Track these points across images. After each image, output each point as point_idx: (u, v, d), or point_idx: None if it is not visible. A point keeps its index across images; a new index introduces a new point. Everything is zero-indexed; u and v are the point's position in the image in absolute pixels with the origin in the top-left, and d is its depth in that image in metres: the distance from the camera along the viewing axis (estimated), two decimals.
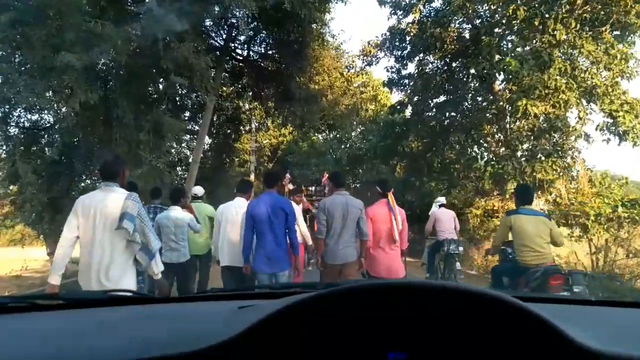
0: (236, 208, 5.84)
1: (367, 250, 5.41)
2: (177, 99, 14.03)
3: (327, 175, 6.30)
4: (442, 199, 10.33)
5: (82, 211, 3.69)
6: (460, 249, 9.25)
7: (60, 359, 0.94)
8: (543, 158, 12.51)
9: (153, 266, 3.81)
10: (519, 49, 12.43)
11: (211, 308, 1.44)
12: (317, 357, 0.86)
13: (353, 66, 17.52)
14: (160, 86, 11.29)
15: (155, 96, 11.08)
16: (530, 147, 13.08)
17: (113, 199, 3.69)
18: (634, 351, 0.85)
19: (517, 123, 13.28)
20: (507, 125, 14.26)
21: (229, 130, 17.95)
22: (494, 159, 15.39)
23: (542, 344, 0.79)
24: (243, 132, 19.43)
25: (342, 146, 28.91)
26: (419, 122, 16.85)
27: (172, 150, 11.43)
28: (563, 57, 11.83)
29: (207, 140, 17.86)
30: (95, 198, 3.74)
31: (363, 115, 27.82)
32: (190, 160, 14.46)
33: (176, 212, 6.42)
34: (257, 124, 20.81)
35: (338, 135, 29.91)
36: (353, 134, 29.89)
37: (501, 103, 13.83)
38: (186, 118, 15.69)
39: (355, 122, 28.94)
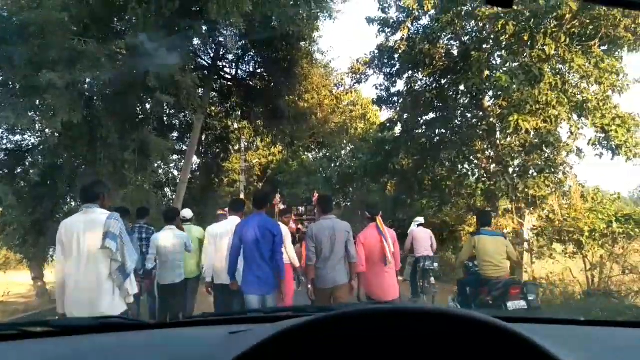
0: (232, 227, 5.76)
1: (363, 273, 5.50)
2: (164, 118, 13.80)
3: (317, 195, 6.51)
4: (420, 219, 10.91)
5: (65, 235, 3.74)
6: (435, 264, 9.94)
7: None
8: (535, 174, 12.37)
9: (128, 286, 3.86)
10: (508, 64, 12.32)
11: (204, 333, 1.44)
12: None
13: (342, 84, 17.40)
14: (147, 105, 11.01)
15: (141, 115, 10.76)
16: (522, 162, 12.93)
17: (94, 220, 3.76)
18: None
19: (508, 139, 13.11)
20: (498, 141, 14.10)
21: (217, 150, 17.56)
22: (485, 175, 15.26)
23: None
24: (232, 151, 19.07)
25: (332, 165, 28.75)
26: (409, 140, 16.67)
27: (159, 171, 11.12)
28: (553, 72, 11.72)
29: (195, 159, 17.61)
30: (77, 220, 3.81)
31: (353, 133, 27.71)
32: (178, 180, 14.16)
33: (172, 232, 6.48)
34: (246, 143, 20.52)
35: (328, 154, 29.75)
36: (343, 152, 29.74)
37: (492, 119, 13.74)
38: (174, 138, 15.43)
39: (345, 141, 28.82)
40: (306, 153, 24.54)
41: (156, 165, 11.67)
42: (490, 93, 13.60)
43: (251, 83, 15.39)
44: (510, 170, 13.61)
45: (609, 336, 1.44)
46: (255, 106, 15.31)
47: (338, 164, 28.95)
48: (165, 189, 15.96)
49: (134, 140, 9.53)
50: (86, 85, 9.68)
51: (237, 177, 27.60)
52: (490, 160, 15.30)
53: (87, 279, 3.70)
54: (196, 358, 0.95)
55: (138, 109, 10.78)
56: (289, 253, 6.31)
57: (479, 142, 14.72)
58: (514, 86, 11.09)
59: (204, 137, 16.46)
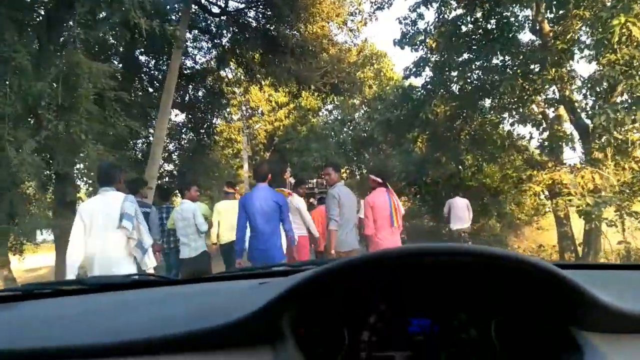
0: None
1: (371, 236, 5.30)
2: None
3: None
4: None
5: (85, 215, 3.96)
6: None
7: (85, 339, 0.91)
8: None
9: (146, 260, 4.12)
10: None
11: (232, 286, 1.40)
12: (341, 326, 0.88)
13: (360, 11, 13.45)
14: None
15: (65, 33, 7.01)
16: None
17: (112, 202, 4.02)
18: None
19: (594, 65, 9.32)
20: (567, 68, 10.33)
21: (206, 103, 13.79)
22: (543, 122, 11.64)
23: (571, 305, 0.78)
24: (226, 106, 15.16)
25: (345, 128, 25.14)
26: (444, 82, 12.93)
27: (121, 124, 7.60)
28: None
29: (181, 117, 13.96)
30: (96, 202, 4.06)
31: (367, 92, 23.97)
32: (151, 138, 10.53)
33: (183, 206, 6.26)
34: (242, 97, 16.53)
35: (340, 117, 26.12)
36: (356, 114, 26.08)
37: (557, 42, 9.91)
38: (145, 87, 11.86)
39: (357, 101, 25.15)
40: (317, 99, 20.11)
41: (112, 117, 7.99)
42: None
43: (245, 17, 11.62)
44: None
45: None
46: (251, 46, 11.54)
47: (351, 127, 25.38)
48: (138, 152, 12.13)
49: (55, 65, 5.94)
50: None
51: (239, 146, 24.11)
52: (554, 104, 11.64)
53: (107, 256, 3.95)
54: (226, 308, 0.90)
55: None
56: (308, 222, 6.18)
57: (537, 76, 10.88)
58: None
59: (190, 89, 12.81)
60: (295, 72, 11.33)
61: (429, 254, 0.74)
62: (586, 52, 10.20)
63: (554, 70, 9.98)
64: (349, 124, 25.44)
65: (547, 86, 10.95)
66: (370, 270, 0.77)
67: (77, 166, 8.94)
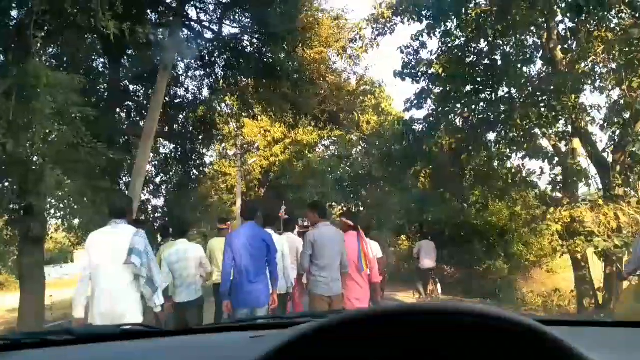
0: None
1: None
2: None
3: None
4: None
5: (93, 247, 3.85)
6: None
7: None
8: None
9: (155, 299, 3.96)
10: None
11: (225, 338, 1.42)
12: None
13: (362, 37, 12.54)
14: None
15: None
16: None
17: (122, 236, 3.84)
18: None
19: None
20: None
21: (196, 132, 12.57)
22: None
23: None
24: (217, 137, 14.10)
25: (342, 164, 24.28)
26: (448, 115, 12.12)
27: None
28: None
29: (169, 149, 12.98)
30: (105, 234, 3.92)
31: (364, 128, 23.24)
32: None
33: (185, 246, 5.83)
34: (236, 128, 15.50)
35: (337, 153, 25.32)
36: (354, 151, 25.29)
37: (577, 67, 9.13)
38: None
39: (355, 137, 24.39)
40: (314, 130, 19.07)
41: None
42: None
43: (240, 43, 10.83)
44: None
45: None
46: (245, 71, 10.68)
47: (349, 163, 24.51)
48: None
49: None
50: None
51: (234, 182, 23.15)
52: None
53: (113, 291, 3.78)
54: None
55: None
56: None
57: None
58: None
59: (180, 119, 11.88)
60: (291, 98, 10.47)
61: (424, 314, 0.71)
62: (598, 81, 9.53)
63: (567, 100, 9.15)
64: (346, 160, 24.60)
65: (560, 118, 10.12)
66: (370, 326, 0.72)
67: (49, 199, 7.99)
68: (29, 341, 1.37)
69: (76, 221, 8.42)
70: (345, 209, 26.40)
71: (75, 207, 7.99)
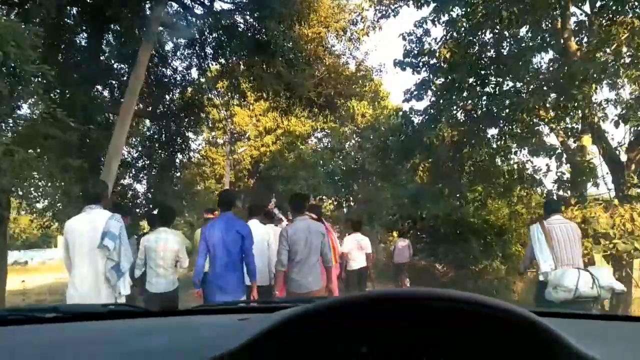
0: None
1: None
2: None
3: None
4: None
5: (70, 233, 3.80)
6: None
7: None
8: None
9: (120, 285, 3.89)
10: None
11: (210, 320, 1.40)
12: None
13: (363, 19, 11.67)
14: None
15: None
16: None
17: (97, 221, 3.80)
18: None
19: None
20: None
21: (182, 115, 11.43)
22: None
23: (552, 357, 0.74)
24: (205, 120, 13.09)
25: (335, 157, 23.50)
26: (450, 106, 11.41)
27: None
28: None
29: (151, 129, 12.06)
30: (81, 220, 3.86)
31: (359, 121, 22.50)
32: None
33: (167, 235, 5.54)
34: (224, 109, 14.49)
35: (330, 146, 24.54)
36: (347, 144, 24.51)
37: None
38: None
39: (349, 130, 23.62)
40: (309, 116, 18.10)
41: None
42: None
43: (232, 18, 9.94)
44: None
45: (632, 331, 1.37)
46: (236, 49, 9.79)
47: (342, 156, 23.75)
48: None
49: None
50: None
51: (222, 171, 22.29)
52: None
53: (89, 276, 3.76)
54: (208, 342, 0.88)
55: None
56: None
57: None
58: None
59: (165, 99, 10.97)
60: (285, 79, 9.61)
61: (411, 299, 0.72)
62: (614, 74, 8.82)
63: (579, 93, 8.44)
64: (339, 153, 23.82)
65: (571, 112, 9.44)
66: (356, 312, 0.73)
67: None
68: (14, 317, 1.37)
69: (41, 204, 7.59)
70: (336, 203, 25.80)
71: (42, 187, 7.14)
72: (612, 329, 1.35)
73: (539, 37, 10.07)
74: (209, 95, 11.83)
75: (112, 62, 11.05)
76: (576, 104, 8.72)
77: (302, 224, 4.92)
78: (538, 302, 5.07)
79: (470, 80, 11.16)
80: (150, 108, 10.92)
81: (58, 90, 9.20)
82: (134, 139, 11.36)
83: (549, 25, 10.10)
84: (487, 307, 0.68)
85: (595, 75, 7.83)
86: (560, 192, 10.24)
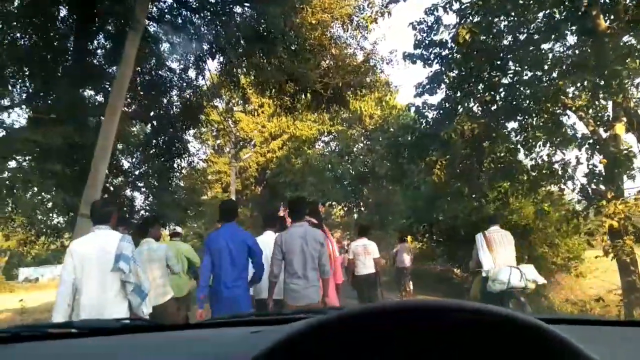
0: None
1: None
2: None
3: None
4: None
5: (77, 254, 3.61)
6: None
7: None
8: None
9: (143, 308, 3.76)
10: None
11: (225, 333, 1.37)
12: None
13: (371, 3, 10.71)
14: None
15: None
16: None
17: (107, 241, 3.67)
18: None
19: None
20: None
21: (179, 117, 10.54)
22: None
23: None
24: (205, 122, 12.18)
25: (343, 161, 22.67)
26: (466, 99, 10.53)
27: None
28: None
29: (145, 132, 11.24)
30: (90, 241, 3.72)
31: (367, 123, 21.62)
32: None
33: (150, 245, 5.41)
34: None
35: (338, 150, 23.68)
36: (355, 147, 23.64)
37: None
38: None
39: (357, 133, 22.75)
40: (315, 113, 17.09)
41: None
42: None
43: (230, 10, 9.09)
44: None
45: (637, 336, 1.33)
46: (235, 38, 8.88)
47: (350, 160, 22.90)
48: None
49: None
50: None
51: (228, 179, 21.45)
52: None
53: (99, 299, 3.57)
54: (220, 355, 0.89)
55: None
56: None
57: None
58: None
59: (162, 99, 10.10)
60: (288, 69, 8.72)
61: (425, 310, 0.69)
62: None
63: (623, 70, 7.47)
64: (347, 157, 22.97)
65: (602, 97, 8.49)
66: (369, 323, 0.71)
67: None
68: (29, 334, 1.36)
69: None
70: (346, 208, 24.94)
71: (16, 193, 6.32)
72: (617, 334, 1.31)
73: (563, 17, 9.11)
74: (207, 93, 10.99)
75: (103, 62, 10.29)
76: (610, 89, 7.80)
77: (298, 230, 4.60)
78: (482, 294, 6.11)
79: (488, 69, 10.30)
80: (144, 110, 10.10)
81: (42, 93, 8.46)
82: (130, 147, 10.52)
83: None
84: (494, 315, 0.67)
85: (637, 53, 6.89)
86: (593, 186, 9.27)
